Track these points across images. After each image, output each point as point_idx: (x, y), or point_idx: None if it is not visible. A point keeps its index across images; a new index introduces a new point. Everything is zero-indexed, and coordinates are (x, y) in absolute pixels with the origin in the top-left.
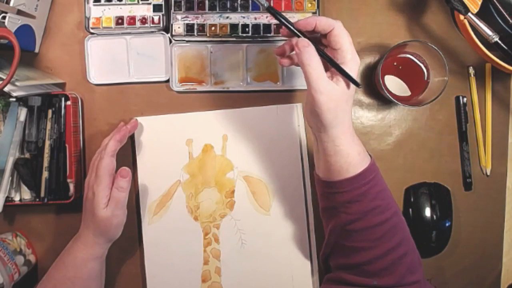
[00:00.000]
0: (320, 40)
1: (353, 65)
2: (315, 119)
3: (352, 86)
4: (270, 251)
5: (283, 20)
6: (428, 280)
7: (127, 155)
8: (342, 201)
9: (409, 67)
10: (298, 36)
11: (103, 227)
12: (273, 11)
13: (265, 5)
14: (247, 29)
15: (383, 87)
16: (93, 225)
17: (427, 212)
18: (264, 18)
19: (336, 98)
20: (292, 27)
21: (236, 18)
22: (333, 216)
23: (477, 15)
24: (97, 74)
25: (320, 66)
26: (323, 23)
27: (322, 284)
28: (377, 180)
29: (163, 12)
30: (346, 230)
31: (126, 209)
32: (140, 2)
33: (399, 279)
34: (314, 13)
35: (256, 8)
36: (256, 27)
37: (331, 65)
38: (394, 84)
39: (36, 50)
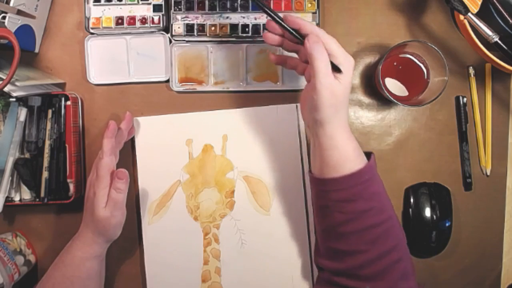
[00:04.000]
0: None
1: (347, 66)
2: (314, 114)
3: (349, 84)
4: (270, 251)
5: (272, 15)
6: (422, 284)
7: (127, 155)
8: (337, 200)
9: (409, 67)
10: (291, 33)
11: (101, 227)
12: (261, 5)
13: None
14: (247, 29)
15: (383, 87)
16: (92, 224)
17: (427, 212)
18: (264, 18)
19: (338, 94)
20: (285, 25)
21: (236, 18)
22: (327, 216)
23: (477, 15)
24: (97, 74)
25: (328, 62)
26: (307, 28)
27: (315, 284)
28: (374, 181)
29: (163, 12)
30: (339, 233)
31: (125, 209)
32: (140, 2)
33: (392, 285)
34: (314, 13)
35: (256, 8)
36: (256, 27)
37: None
38: (394, 84)
39: (36, 50)
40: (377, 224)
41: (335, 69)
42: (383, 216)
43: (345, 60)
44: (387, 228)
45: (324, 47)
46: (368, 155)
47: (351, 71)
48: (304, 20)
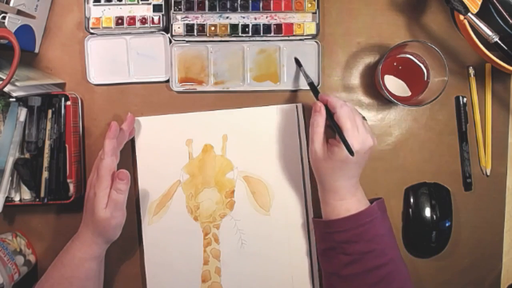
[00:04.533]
0: None
1: (355, 143)
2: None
3: (346, 158)
4: (270, 251)
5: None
6: None
7: (127, 155)
8: (340, 241)
9: (409, 67)
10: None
11: (101, 227)
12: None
13: (309, 81)
14: (247, 29)
15: (383, 87)
16: (92, 224)
17: (427, 212)
18: (264, 18)
19: (320, 163)
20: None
21: (236, 18)
22: (332, 258)
23: (477, 15)
24: (97, 74)
25: (320, 130)
26: (331, 101)
27: None
28: (375, 224)
29: (163, 12)
30: (343, 276)
31: (125, 210)
32: (140, 2)
33: None
34: (314, 13)
35: (256, 8)
36: (256, 27)
37: (336, 131)
38: (394, 84)
39: (36, 50)
40: (379, 266)
41: (343, 142)
42: (386, 258)
43: (352, 139)
44: (391, 271)
45: (338, 121)
46: (375, 200)
47: (357, 148)
48: (329, 96)
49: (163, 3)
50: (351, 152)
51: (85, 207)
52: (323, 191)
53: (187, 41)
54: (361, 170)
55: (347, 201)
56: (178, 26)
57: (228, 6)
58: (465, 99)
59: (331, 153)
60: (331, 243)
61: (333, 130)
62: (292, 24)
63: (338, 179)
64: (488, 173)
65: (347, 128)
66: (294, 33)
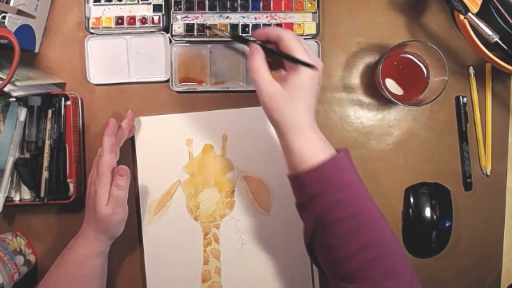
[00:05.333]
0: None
1: (310, 61)
2: (267, 117)
3: (304, 81)
4: (270, 251)
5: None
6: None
7: (127, 155)
8: (307, 195)
9: (409, 67)
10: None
11: (104, 224)
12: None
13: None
14: (247, 29)
15: (383, 87)
16: (95, 221)
17: (427, 212)
18: (264, 18)
19: (277, 100)
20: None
21: (236, 18)
22: (305, 209)
23: (477, 15)
24: (97, 74)
25: (261, 68)
26: (272, 33)
27: None
28: (340, 175)
29: (163, 12)
30: (317, 225)
31: (126, 206)
32: (140, 2)
33: (373, 285)
34: (314, 13)
35: (256, 8)
36: (256, 27)
37: (284, 58)
38: (394, 84)
39: (36, 50)
40: (346, 218)
41: (295, 61)
42: (353, 209)
43: (308, 59)
44: (361, 223)
45: (287, 51)
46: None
47: (303, 73)
48: (269, 27)
49: (163, 3)
50: (310, 65)
51: (86, 205)
52: (286, 135)
53: (187, 41)
54: (315, 100)
55: (312, 140)
56: (178, 26)
57: (228, 6)
58: (465, 99)
59: (285, 83)
60: (300, 198)
61: (281, 62)
62: (292, 24)
63: (299, 112)
64: (488, 173)
65: (299, 48)
66: None
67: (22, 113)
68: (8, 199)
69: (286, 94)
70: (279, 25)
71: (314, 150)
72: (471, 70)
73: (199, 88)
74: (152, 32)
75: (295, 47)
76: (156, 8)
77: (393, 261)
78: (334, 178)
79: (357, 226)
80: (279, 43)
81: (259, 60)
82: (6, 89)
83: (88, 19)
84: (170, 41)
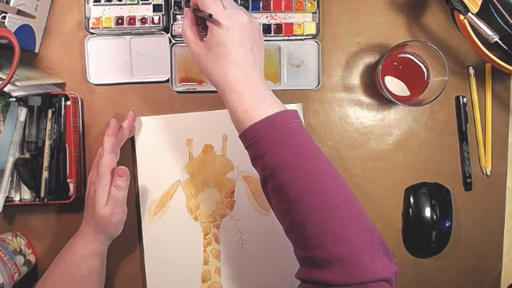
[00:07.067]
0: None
1: (221, 18)
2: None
3: (221, 37)
4: (270, 251)
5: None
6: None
7: (127, 155)
8: (251, 156)
9: (409, 67)
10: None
11: (102, 224)
12: None
13: None
14: None
15: (383, 87)
16: (93, 221)
17: (427, 212)
18: (264, 18)
19: (203, 61)
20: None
21: None
22: (256, 166)
23: (477, 15)
24: (97, 74)
25: (188, 30)
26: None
27: None
28: (281, 137)
29: (163, 12)
30: (266, 192)
31: (126, 207)
32: (140, 2)
33: (329, 253)
34: (314, 13)
35: (256, 8)
36: None
37: (201, 16)
38: (394, 84)
39: (36, 50)
40: (287, 181)
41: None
42: (295, 171)
43: (219, 15)
44: (304, 186)
45: (204, 9)
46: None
47: (213, 28)
48: None
49: (163, 3)
50: (208, 15)
51: (86, 205)
52: (221, 94)
53: None
54: (251, 56)
55: (243, 99)
56: (178, 26)
57: None
58: (465, 99)
59: (207, 42)
60: (250, 158)
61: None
62: (292, 24)
63: (226, 70)
64: (488, 173)
65: (209, 5)
66: (294, 33)
67: (22, 113)
68: (8, 199)
69: (207, 52)
70: (279, 25)
71: (249, 116)
72: (471, 70)
73: (199, 88)
74: (152, 32)
75: (206, 3)
76: (156, 8)
77: (343, 226)
78: (272, 140)
79: (302, 190)
80: (198, 1)
81: (186, 22)
82: (6, 89)
83: (88, 19)
84: (170, 41)
